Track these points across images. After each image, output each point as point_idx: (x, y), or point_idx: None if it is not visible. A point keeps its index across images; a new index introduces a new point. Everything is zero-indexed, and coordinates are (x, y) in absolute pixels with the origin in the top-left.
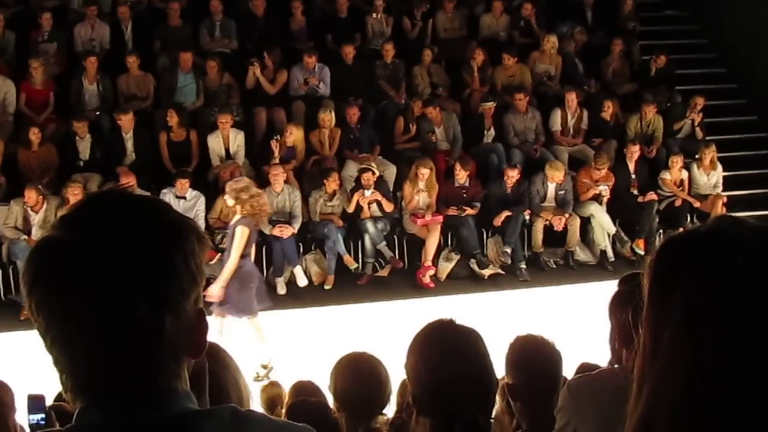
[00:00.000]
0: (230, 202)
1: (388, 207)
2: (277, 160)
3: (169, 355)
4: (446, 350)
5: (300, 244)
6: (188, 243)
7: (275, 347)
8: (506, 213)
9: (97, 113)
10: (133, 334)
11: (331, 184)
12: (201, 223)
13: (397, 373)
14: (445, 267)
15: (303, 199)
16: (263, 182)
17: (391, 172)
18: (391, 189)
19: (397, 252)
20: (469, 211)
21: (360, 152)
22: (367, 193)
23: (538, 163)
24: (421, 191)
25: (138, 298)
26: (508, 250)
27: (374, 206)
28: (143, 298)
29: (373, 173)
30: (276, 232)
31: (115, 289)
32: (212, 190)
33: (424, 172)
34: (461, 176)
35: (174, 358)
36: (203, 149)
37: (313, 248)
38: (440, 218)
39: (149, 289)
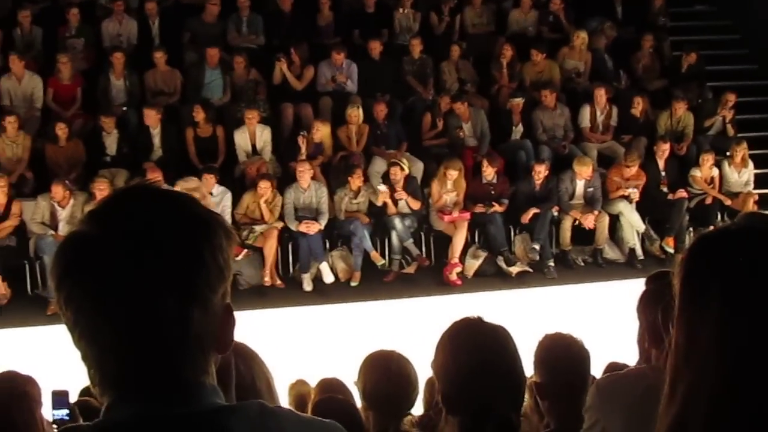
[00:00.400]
0: None
1: (415, 205)
2: (303, 157)
3: (197, 350)
4: (475, 347)
5: (326, 240)
6: (216, 237)
7: (301, 344)
8: (534, 210)
9: (124, 109)
10: (161, 327)
11: (355, 181)
12: (227, 219)
13: (423, 371)
14: (472, 264)
15: (330, 195)
16: (290, 178)
17: (418, 168)
18: (419, 184)
19: (423, 249)
20: (497, 207)
21: (387, 148)
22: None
23: (567, 159)
24: (449, 191)
25: (166, 291)
26: (536, 248)
27: (402, 203)
28: (171, 292)
29: (402, 168)
30: (302, 228)
31: (143, 282)
32: (239, 186)
33: (453, 174)
34: (489, 173)
35: (202, 352)
36: (230, 145)
37: (339, 245)
38: (467, 215)
39: (177, 282)
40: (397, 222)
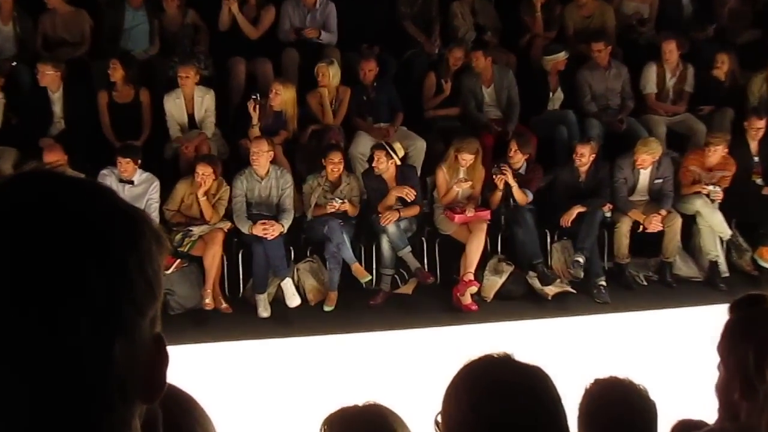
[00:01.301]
0: None
1: (411, 212)
2: (258, 131)
3: (118, 396)
4: (500, 396)
5: (291, 248)
6: (143, 241)
7: (255, 390)
8: (579, 208)
9: (13, 64)
10: (73, 367)
11: (333, 166)
12: (155, 217)
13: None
14: (493, 282)
15: (296, 186)
16: (242, 162)
17: (418, 148)
18: (418, 173)
19: (426, 260)
20: (519, 194)
21: (376, 121)
22: (337, 201)
23: (625, 139)
24: (462, 182)
25: (79, 318)
26: (581, 260)
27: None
28: (87, 318)
29: (388, 154)
30: (258, 231)
31: (45, 308)
32: (170, 172)
33: (467, 158)
34: (517, 160)
35: (123, 399)
36: (158, 115)
37: (308, 254)
38: (487, 214)
39: (94, 305)
40: (391, 225)
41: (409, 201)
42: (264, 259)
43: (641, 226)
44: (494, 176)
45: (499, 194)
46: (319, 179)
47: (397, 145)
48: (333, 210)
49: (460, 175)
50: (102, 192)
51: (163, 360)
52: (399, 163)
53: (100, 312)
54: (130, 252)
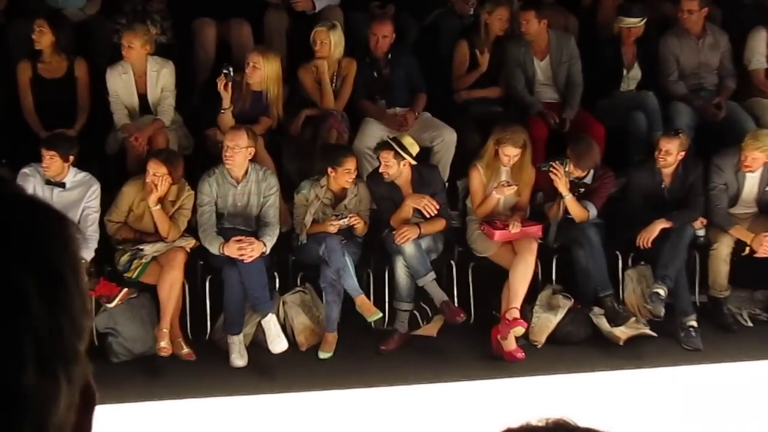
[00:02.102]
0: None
1: (436, 226)
2: (231, 118)
3: None
4: None
5: (275, 274)
6: (74, 246)
7: None
8: (661, 224)
9: None
10: (13, 410)
11: (348, 177)
12: (93, 231)
13: None
14: (546, 322)
15: (283, 191)
16: (210, 160)
17: (446, 141)
18: (446, 174)
19: (455, 292)
20: (576, 209)
21: (390, 105)
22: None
23: (724, 130)
24: (504, 186)
25: (22, 340)
26: (663, 292)
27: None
28: (29, 340)
29: (398, 155)
30: (231, 251)
31: None
32: (114, 172)
33: (511, 154)
34: (576, 174)
35: None
36: (99, 95)
37: (299, 282)
38: (538, 230)
39: (34, 324)
40: (407, 243)
41: (429, 215)
42: (239, 288)
43: (746, 248)
44: (540, 170)
45: (559, 206)
46: (318, 189)
47: (408, 140)
48: (334, 229)
49: (502, 177)
50: (18, 197)
51: (88, 420)
52: (413, 162)
53: (43, 334)
54: (63, 257)
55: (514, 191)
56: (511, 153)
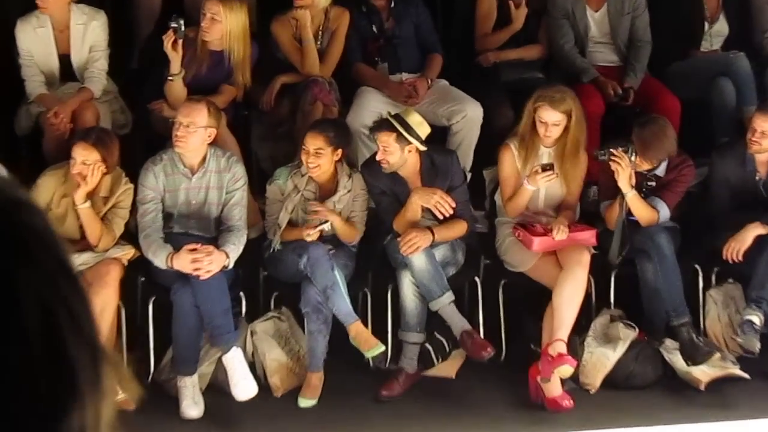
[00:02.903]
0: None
1: (459, 229)
2: (182, 86)
3: None
4: None
5: (241, 294)
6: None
7: None
8: (756, 229)
9: None
10: None
11: (321, 159)
12: None
13: None
14: (602, 359)
15: (252, 186)
16: (155, 141)
17: (468, 119)
18: (469, 162)
19: (481, 318)
20: (642, 209)
21: (395, 69)
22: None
23: None
24: (544, 174)
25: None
26: (757, 320)
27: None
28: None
29: (401, 137)
30: (183, 264)
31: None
32: (28, 158)
33: (549, 120)
34: (643, 167)
35: None
36: (6, 55)
37: (273, 305)
38: (591, 236)
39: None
40: (418, 256)
41: (442, 216)
42: (193, 314)
43: None
44: (596, 158)
45: (620, 205)
46: (298, 178)
47: (414, 118)
48: (313, 237)
49: (542, 158)
50: None
51: None
52: (422, 147)
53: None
54: (54, 292)
55: (555, 180)
56: (549, 118)
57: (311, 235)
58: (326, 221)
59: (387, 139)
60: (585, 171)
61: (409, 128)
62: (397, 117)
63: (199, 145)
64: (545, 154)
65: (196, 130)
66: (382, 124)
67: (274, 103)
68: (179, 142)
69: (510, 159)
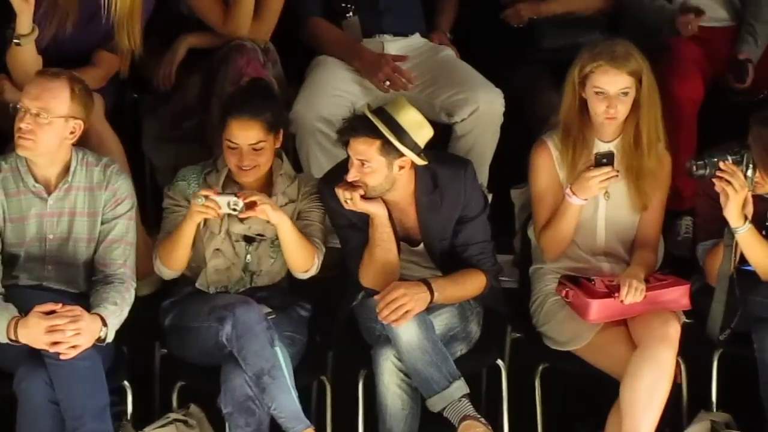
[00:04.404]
0: None
1: (473, 284)
2: (32, 50)
3: None
4: None
5: (126, 383)
6: None
7: None
8: None
9: None
10: None
11: (261, 156)
12: None
13: None
14: None
15: (145, 213)
16: None
17: (481, 116)
18: (485, 176)
19: (506, 420)
20: (758, 255)
21: (375, 31)
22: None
23: None
24: (599, 171)
25: None
26: None
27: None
28: None
29: (387, 145)
30: (33, 336)
31: None
32: None
33: (609, 88)
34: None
35: None
36: None
37: (174, 401)
38: (680, 294)
39: None
40: (407, 326)
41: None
42: (49, 414)
43: None
44: (691, 173)
45: (731, 247)
46: (213, 177)
47: (409, 115)
48: (212, 215)
49: (598, 148)
50: None
51: None
52: (422, 162)
53: None
54: None
55: (621, 201)
56: (610, 86)
57: (203, 211)
58: (234, 197)
59: (366, 150)
60: (669, 182)
61: (401, 132)
62: (381, 113)
63: (56, 145)
64: (600, 144)
65: (50, 121)
66: (358, 126)
67: (177, 82)
68: (24, 139)
69: (547, 164)
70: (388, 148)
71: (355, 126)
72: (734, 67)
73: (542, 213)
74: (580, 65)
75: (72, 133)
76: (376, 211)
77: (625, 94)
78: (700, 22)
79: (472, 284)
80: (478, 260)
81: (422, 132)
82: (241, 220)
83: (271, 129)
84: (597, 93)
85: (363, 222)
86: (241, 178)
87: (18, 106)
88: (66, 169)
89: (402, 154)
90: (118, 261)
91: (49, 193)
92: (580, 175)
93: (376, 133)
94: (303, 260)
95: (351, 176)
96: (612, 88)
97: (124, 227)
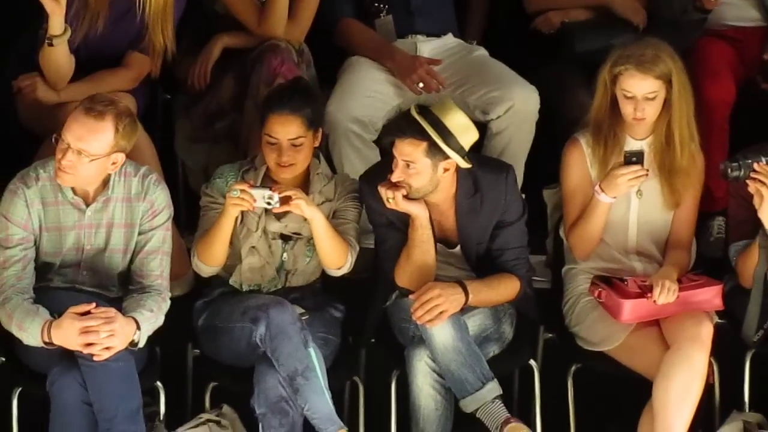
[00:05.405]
0: None
1: (507, 288)
2: (64, 50)
3: None
4: None
5: (159, 384)
6: None
7: None
8: None
9: None
10: None
11: (300, 152)
12: None
13: None
14: None
15: (178, 217)
16: (25, 148)
17: (516, 114)
18: (519, 176)
19: (538, 423)
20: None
21: (408, 31)
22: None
23: None
24: (628, 169)
25: None
26: None
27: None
28: None
29: (434, 146)
30: (67, 337)
31: None
32: None
33: (648, 91)
34: None
35: None
36: None
37: (207, 402)
38: (713, 295)
39: None
40: (442, 327)
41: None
42: (82, 415)
43: None
44: (725, 175)
45: (761, 250)
46: (251, 175)
47: (456, 118)
48: (246, 207)
49: (629, 145)
50: None
51: None
52: (466, 165)
53: None
54: None
55: (655, 200)
56: (637, 89)
57: (239, 203)
58: (268, 191)
59: (412, 151)
60: (702, 181)
61: (447, 135)
62: (428, 115)
63: (97, 176)
64: (631, 141)
65: (92, 160)
66: (405, 127)
67: (211, 82)
68: (64, 173)
69: (579, 161)
70: (434, 150)
71: (402, 127)
72: (765, 68)
73: (572, 211)
74: (611, 64)
75: (114, 164)
76: (418, 212)
77: (653, 98)
78: None
79: (506, 289)
80: (513, 266)
81: (468, 135)
82: (278, 218)
83: (310, 126)
84: (625, 96)
85: (402, 222)
86: (279, 174)
87: (61, 137)
88: (105, 182)
89: (447, 157)
90: (155, 272)
91: (88, 205)
92: (610, 171)
93: (423, 135)
94: (336, 257)
95: (395, 177)
96: (639, 92)
97: (161, 238)
